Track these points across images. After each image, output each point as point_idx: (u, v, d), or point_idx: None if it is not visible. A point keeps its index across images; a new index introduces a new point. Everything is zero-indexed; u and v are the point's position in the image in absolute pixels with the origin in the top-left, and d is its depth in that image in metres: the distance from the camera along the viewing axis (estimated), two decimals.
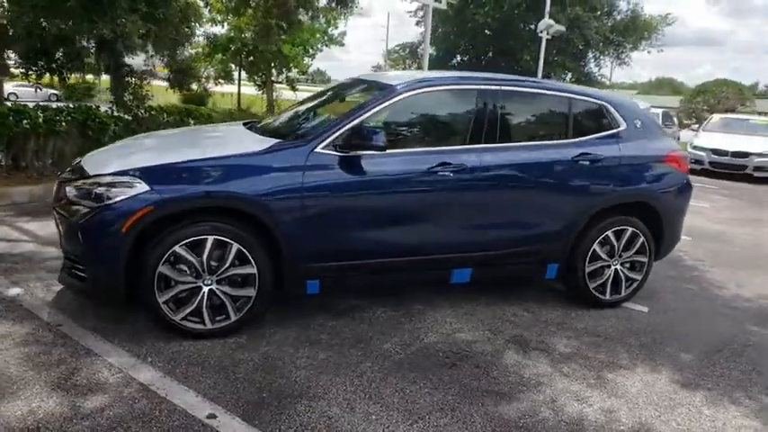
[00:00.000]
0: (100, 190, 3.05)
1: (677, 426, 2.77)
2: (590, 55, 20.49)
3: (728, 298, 4.58)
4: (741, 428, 2.79)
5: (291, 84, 22.33)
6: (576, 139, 3.90)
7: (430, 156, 3.49)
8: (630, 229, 4.01)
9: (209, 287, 3.18)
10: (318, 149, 3.29)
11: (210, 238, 3.10)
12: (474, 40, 19.98)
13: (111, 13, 6.38)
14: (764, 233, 7.25)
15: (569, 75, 19.92)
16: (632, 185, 3.99)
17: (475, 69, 19.30)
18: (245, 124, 4.15)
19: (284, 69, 21.58)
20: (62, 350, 3.04)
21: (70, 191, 3.19)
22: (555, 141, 3.87)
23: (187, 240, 3.08)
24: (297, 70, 22.74)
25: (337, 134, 3.32)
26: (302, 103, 4.57)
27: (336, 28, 22.00)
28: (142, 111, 8.09)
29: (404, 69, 24.61)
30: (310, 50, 21.58)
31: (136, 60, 8.80)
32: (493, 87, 3.74)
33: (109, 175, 3.10)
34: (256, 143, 3.39)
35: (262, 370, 3.00)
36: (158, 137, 4.42)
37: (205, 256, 3.13)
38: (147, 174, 3.07)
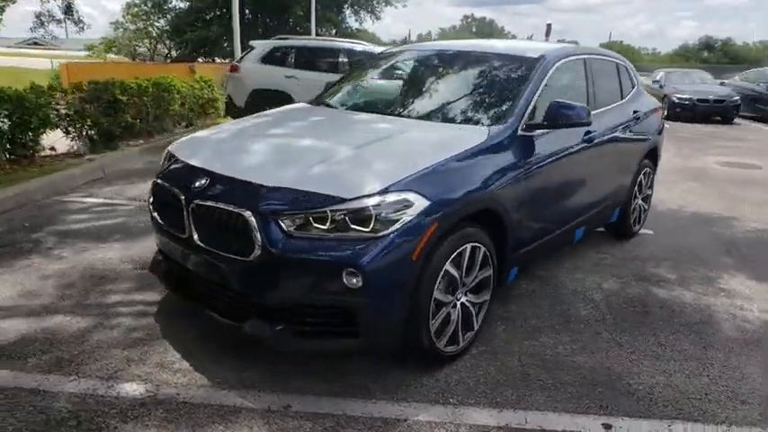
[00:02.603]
0: (374, 213, 2.33)
1: None
2: (348, 10, 21.34)
3: (669, 212, 5.92)
4: None
5: None
6: (626, 99, 4.47)
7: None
8: (649, 170, 4.86)
9: (460, 301, 2.80)
10: (519, 132, 3.11)
11: (468, 247, 2.71)
12: None
13: None
14: None
15: (334, 30, 20.39)
16: (653, 133, 4.79)
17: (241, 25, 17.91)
18: (318, 103, 3.55)
19: None
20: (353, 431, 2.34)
21: (300, 221, 2.35)
22: (621, 102, 4.36)
23: (453, 255, 2.63)
24: None
25: (527, 113, 3.17)
26: (359, 77, 4.03)
27: None
28: None
29: (146, 23, 21.25)
30: None
31: None
32: (590, 56, 4.01)
33: (379, 193, 2.38)
34: (465, 131, 2.99)
35: (554, 368, 2.85)
36: (269, 133, 3.32)
37: (464, 268, 2.73)
38: (418, 185, 2.47)
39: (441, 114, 3.32)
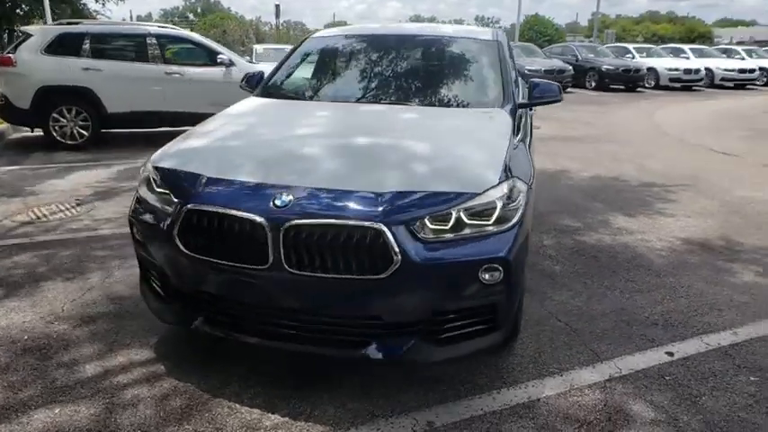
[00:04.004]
0: (498, 204, 2.28)
1: (679, 226, 4.80)
2: None
3: None
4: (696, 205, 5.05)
5: None
6: None
7: None
8: None
9: None
10: (516, 111, 3.30)
11: None
12: None
13: None
14: None
15: (69, 11, 17.07)
16: None
17: None
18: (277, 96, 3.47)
19: None
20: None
21: (426, 224, 2.18)
22: None
23: None
24: None
25: (513, 93, 3.37)
26: (312, 65, 3.69)
27: None
28: None
29: None
30: None
31: None
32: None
33: (499, 184, 2.32)
34: (495, 115, 3.08)
35: (589, 320, 3.18)
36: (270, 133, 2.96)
37: None
38: (514, 171, 2.47)
39: (451, 100, 3.31)
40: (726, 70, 20.58)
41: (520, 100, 3.41)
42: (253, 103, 3.43)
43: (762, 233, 4.75)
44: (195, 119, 8.47)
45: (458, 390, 2.52)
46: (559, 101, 3.55)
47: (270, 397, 2.44)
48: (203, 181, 2.36)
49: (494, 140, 2.69)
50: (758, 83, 21.41)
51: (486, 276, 2.23)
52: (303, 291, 2.21)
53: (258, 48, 16.53)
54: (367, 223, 2.11)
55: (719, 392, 2.56)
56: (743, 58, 22.43)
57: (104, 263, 3.84)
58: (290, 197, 2.19)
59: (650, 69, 19.60)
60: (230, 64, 8.00)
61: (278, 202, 2.18)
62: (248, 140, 2.76)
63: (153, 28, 8.10)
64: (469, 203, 2.24)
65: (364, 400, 2.42)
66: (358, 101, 3.37)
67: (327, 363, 2.64)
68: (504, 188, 2.34)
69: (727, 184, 6.50)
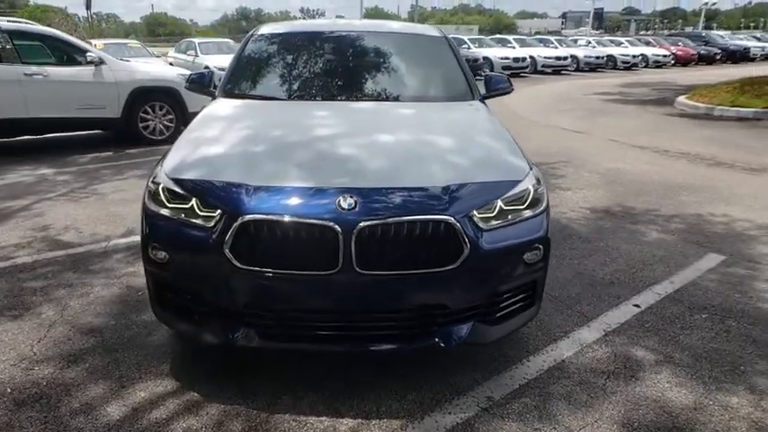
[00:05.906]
0: (531, 190, 2.51)
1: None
2: None
3: None
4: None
5: None
6: None
7: None
8: None
9: None
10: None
11: None
12: None
13: None
14: None
15: None
16: None
17: None
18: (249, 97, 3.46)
19: None
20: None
21: (480, 213, 2.32)
22: None
23: None
24: None
25: (476, 85, 3.63)
26: (274, 63, 3.56)
27: None
28: None
29: None
30: None
31: None
32: None
33: (531, 171, 2.57)
34: (476, 107, 3.30)
35: (560, 287, 3.59)
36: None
37: None
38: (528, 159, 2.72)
39: (430, 94, 3.46)
40: (546, 58, 23.35)
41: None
42: (231, 104, 3.24)
43: (643, 198, 5.64)
44: (66, 125, 7.59)
45: (496, 365, 2.73)
46: (511, 91, 3.88)
47: (328, 403, 2.42)
48: (250, 190, 2.24)
49: (497, 130, 2.92)
50: (570, 68, 24.61)
51: (529, 256, 2.46)
52: (372, 290, 2.23)
53: (98, 42, 14.89)
54: (438, 217, 2.20)
55: (688, 330, 3.10)
56: (556, 47, 25.61)
57: (49, 294, 3.35)
58: (354, 199, 2.19)
59: (486, 59, 21.50)
60: (100, 62, 7.19)
61: (344, 205, 2.16)
62: (271, 145, 2.63)
63: (3, 22, 6.93)
64: (512, 191, 2.43)
65: (420, 390, 2.52)
66: (344, 99, 3.35)
67: (354, 361, 2.69)
68: (533, 175, 2.58)
69: (593, 158, 7.54)
